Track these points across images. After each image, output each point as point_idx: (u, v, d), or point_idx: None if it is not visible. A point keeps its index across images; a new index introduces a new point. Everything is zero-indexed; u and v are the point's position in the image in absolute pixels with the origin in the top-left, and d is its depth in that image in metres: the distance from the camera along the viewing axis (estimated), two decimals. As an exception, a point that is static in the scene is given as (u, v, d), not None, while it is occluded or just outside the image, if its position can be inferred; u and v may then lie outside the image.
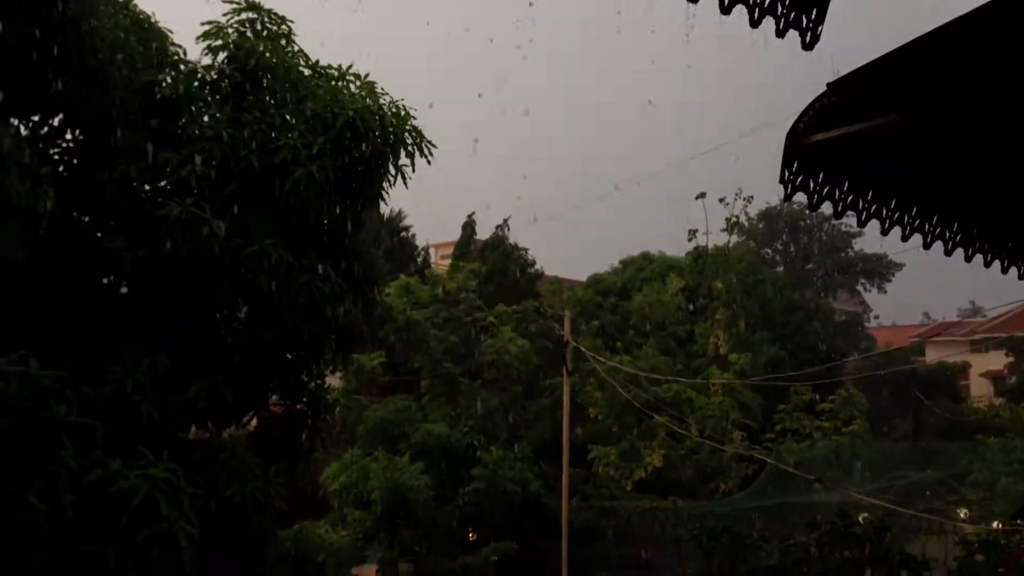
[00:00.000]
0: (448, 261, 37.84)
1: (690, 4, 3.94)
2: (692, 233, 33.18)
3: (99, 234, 10.48)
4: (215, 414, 11.44)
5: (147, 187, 10.80)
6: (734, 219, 34.66)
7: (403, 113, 11.72)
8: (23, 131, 10.14)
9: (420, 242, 43.52)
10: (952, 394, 43.26)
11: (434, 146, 11.96)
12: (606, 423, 28.63)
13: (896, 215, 5.53)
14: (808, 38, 4.10)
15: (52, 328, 9.52)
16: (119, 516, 8.86)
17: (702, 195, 32.75)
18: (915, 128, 5.07)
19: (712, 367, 30.26)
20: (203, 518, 9.55)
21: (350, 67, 11.95)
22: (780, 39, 4.11)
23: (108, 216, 10.45)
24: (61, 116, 10.44)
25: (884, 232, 5.54)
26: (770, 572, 18.57)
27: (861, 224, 5.47)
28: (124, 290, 10.69)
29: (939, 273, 57.17)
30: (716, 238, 37.69)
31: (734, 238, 37.29)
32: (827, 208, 5.40)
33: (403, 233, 41.58)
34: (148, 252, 10.00)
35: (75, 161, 10.68)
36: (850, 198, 5.35)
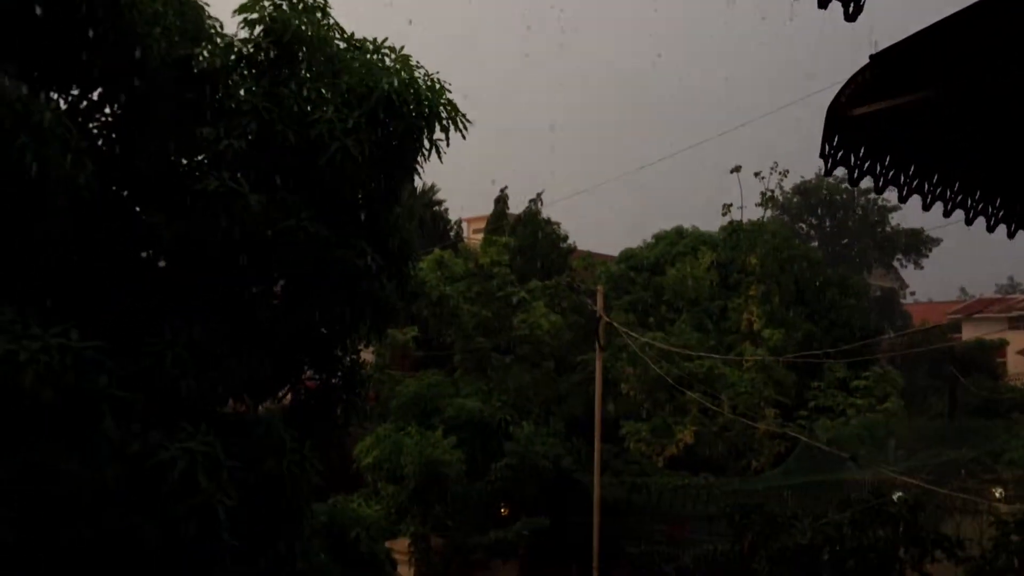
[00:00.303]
0: (480, 236, 37.86)
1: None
2: (726, 207, 33.00)
3: (137, 208, 10.57)
4: (251, 388, 11.53)
5: (184, 161, 10.87)
6: (769, 193, 34.38)
7: (438, 87, 11.68)
8: (62, 105, 10.24)
9: (452, 216, 43.56)
10: (989, 372, 42.77)
11: (469, 121, 11.93)
12: (638, 399, 28.62)
13: (938, 190, 5.47)
14: (851, 8, 4.03)
15: (92, 301, 9.63)
16: (159, 488, 8.96)
17: (737, 169, 32.54)
18: (959, 101, 5.00)
19: (745, 343, 30.14)
20: (240, 491, 9.65)
21: (385, 40, 11.91)
22: (822, 9, 4.06)
23: (146, 190, 10.52)
24: (100, 90, 10.51)
25: (926, 208, 5.48)
26: (802, 550, 18.49)
27: (902, 199, 5.41)
28: (162, 264, 10.78)
29: (977, 248, 56.48)
30: (750, 212, 37.38)
31: (768, 213, 37.00)
32: (866, 183, 5.35)
33: (436, 207, 41.63)
34: (185, 226, 10.08)
35: (113, 135, 10.75)
36: (891, 173, 5.29)
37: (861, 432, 28.38)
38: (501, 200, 37.24)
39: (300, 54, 11.41)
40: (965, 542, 17.72)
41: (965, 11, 4.17)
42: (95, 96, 10.58)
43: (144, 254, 10.79)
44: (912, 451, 29.22)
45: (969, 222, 5.54)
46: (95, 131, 10.74)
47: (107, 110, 10.76)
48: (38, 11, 9.00)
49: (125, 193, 10.75)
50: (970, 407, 37.28)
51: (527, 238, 33.91)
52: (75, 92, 10.50)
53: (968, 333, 46.83)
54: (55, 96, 10.15)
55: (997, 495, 25.49)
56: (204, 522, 9.05)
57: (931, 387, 39.18)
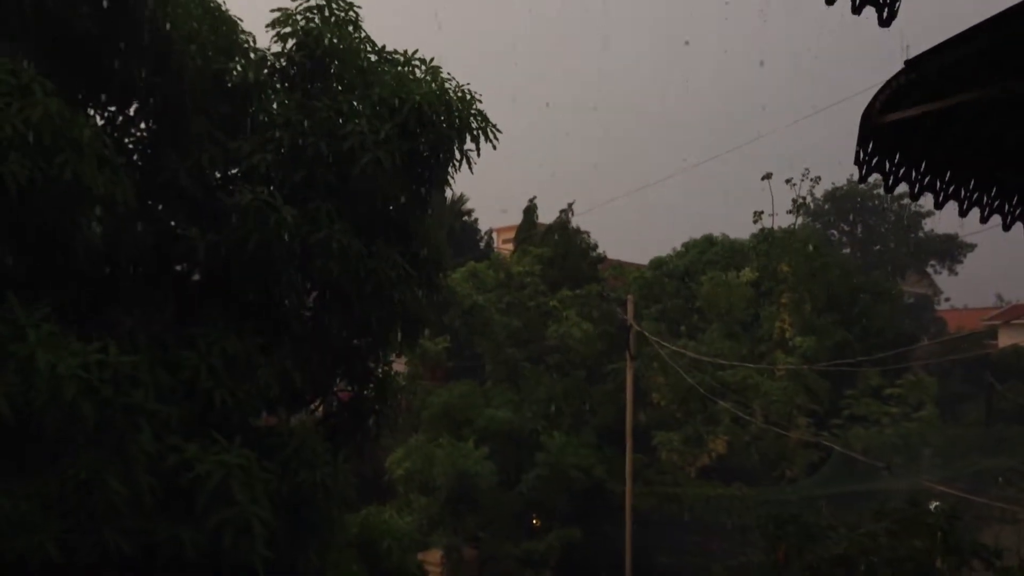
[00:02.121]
0: (510, 245, 37.93)
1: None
2: (757, 215, 32.77)
3: (172, 221, 10.68)
4: (285, 400, 11.60)
5: (218, 174, 10.99)
6: (801, 200, 34.12)
7: (468, 97, 11.73)
8: (100, 120, 10.39)
9: (482, 226, 43.66)
10: (1026, 379, 42.15)
11: (499, 131, 11.97)
12: (669, 408, 28.48)
13: (974, 196, 5.41)
14: (885, 14, 4.01)
15: (129, 315, 9.73)
16: (194, 500, 9.03)
17: (768, 176, 32.31)
18: (994, 107, 4.95)
19: (777, 351, 29.90)
20: (274, 502, 9.71)
21: (415, 52, 12.00)
22: (856, 15, 4.04)
23: (181, 203, 10.63)
24: (136, 105, 10.65)
25: (963, 214, 5.42)
26: (838, 561, 18.28)
27: (938, 206, 5.36)
28: (196, 276, 10.89)
29: (1014, 254, 55.74)
30: (781, 220, 37.13)
31: (800, 220, 36.74)
32: (900, 189, 5.30)
33: (466, 217, 41.76)
34: (219, 239, 10.17)
35: (149, 150, 10.89)
36: (927, 179, 5.24)
37: (896, 441, 28.07)
38: (530, 210, 37.29)
39: (332, 67, 11.53)
40: (1003, 552, 17.47)
41: (1000, 16, 4.13)
42: (131, 111, 10.72)
43: (179, 267, 10.90)
44: (948, 460, 28.85)
45: (1007, 227, 5.47)
46: (131, 145, 10.88)
47: (143, 124, 10.90)
48: (77, 29, 9.15)
49: (160, 207, 10.86)
50: (1007, 414, 36.73)
51: (558, 248, 33.91)
52: (112, 108, 10.65)
53: (1005, 340, 46.14)
54: (93, 112, 10.31)
55: (1036, 504, 25.12)
56: (239, 533, 9.10)
57: (967, 394, 38.67)
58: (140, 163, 10.79)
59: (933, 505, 18.67)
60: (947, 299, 63.50)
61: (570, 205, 35.44)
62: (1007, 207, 5.42)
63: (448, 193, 13.73)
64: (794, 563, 18.67)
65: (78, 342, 8.26)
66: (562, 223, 35.28)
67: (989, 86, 4.62)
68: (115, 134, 10.42)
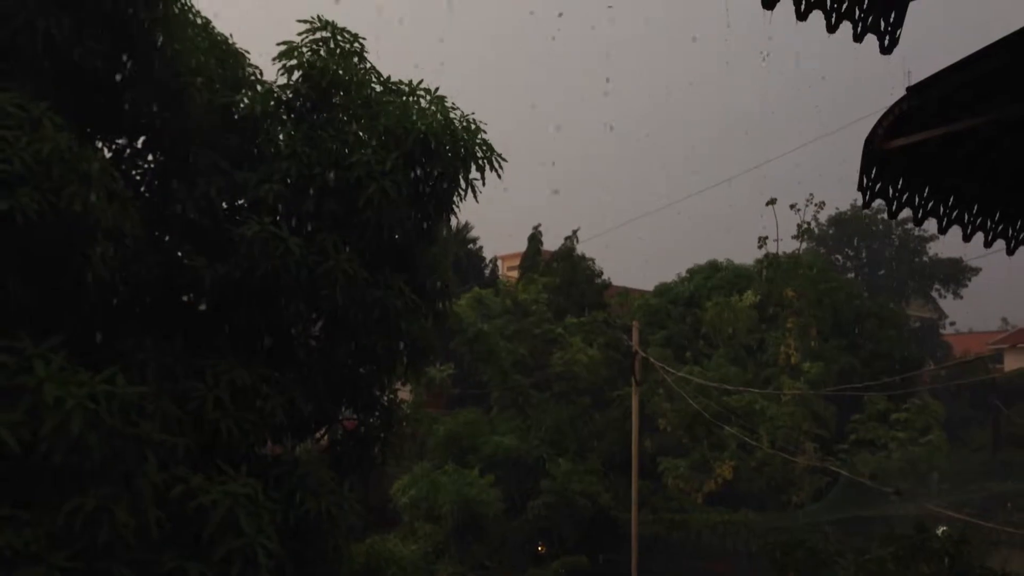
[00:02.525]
0: (515, 273, 37.97)
1: (765, 10, 3.95)
2: (762, 240, 32.85)
3: (179, 253, 10.74)
4: (291, 429, 11.62)
5: (225, 205, 11.05)
6: (805, 225, 34.17)
7: (473, 127, 11.82)
8: (108, 153, 10.48)
9: (487, 253, 43.75)
10: (1033, 402, 42.00)
11: (504, 159, 12.05)
12: (676, 434, 28.39)
13: (978, 220, 5.44)
14: (887, 41, 4.06)
15: (138, 346, 9.77)
16: (201, 531, 9.03)
17: (772, 201, 32.42)
18: (997, 132, 4.99)
19: (783, 376, 29.85)
20: (280, 532, 9.69)
21: (420, 82, 12.11)
22: (858, 43, 4.08)
23: (189, 235, 10.70)
24: (144, 138, 10.74)
25: (967, 238, 5.46)
26: (846, 587, 18.19)
27: (942, 231, 5.39)
28: (204, 307, 10.93)
29: (1018, 277, 55.64)
30: (786, 245, 37.18)
31: (804, 245, 36.80)
32: (904, 213, 5.33)
33: (471, 245, 41.84)
34: (227, 270, 10.22)
35: (157, 182, 10.98)
36: (931, 204, 5.28)
37: (903, 466, 27.95)
38: (535, 238, 37.37)
39: (337, 98, 11.62)
40: (1012, 576, 17.36)
41: (1002, 41, 4.19)
42: (139, 144, 10.81)
43: (187, 298, 10.94)
44: (956, 484, 28.72)
45: (1011, 252, 5.50)
46: (139, 177, 10.98)
47: (151, 157, 10.99)
48: (86, 64, 9.26)
49: (168, 238, 10.93)
50: (1014, 439, 36.59)
51: (563, 275, 33.95)
52: (120, 141, 10.75)
53: (1011, 363, 46.03)
54: (101, 145, 10.40)
55: (1045, 528, 24.96)
56: (246, 564, 9.09)
57: (974, 419, 38.54)
58: (148, 195, 10.88)
59: (941, 530, 18.58)
60: (952, 323, 63.39)
61: (575, 232, 35.54)
62: (1011, 231, 5.46)
63: (453, 221, 13.80)
64: (802, 590, 18.56)
65: (85, 373, 8.28)
66: (567, 250, 35.34)
67: (991, 112, 4.66)
68: (123, 167, 10.52)
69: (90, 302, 9.40)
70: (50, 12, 8.93)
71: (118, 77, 9.64)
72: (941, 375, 39.27)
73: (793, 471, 27.49)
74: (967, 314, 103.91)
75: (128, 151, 10.86)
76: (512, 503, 26.76)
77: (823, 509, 26.07)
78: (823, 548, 19.89)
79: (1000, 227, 5.43)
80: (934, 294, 59.75)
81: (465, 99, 12.12)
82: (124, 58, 9.53)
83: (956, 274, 57.28)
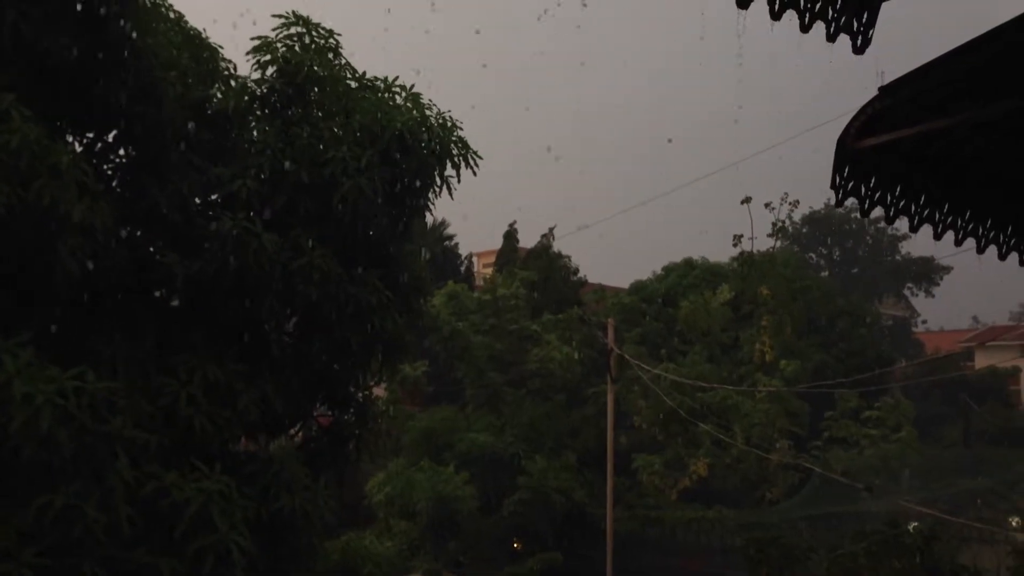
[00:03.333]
0: (490, 270, 37.95)
1: (740, 10, 3.96)
2: (737, 238, 32.97)
3: (152, 248, 10.65)
4: (265, 425, 11.55)
5: (199, 201, 10.96)
6: (780, 224, 34.34)
7: (449, 124, 11.79)
8: (79, 147, 10.36)
9: (463, 250, 43.73)
10: (1003, 400, 42.48)
11: (480, 156, 12.03)
12: (651, 431, 28.50)
13: (949, 219, 5.49)
14: (859, 42, 4.08)
15: (109, 342, 9.68)
16: (173, 527, 8.97)
17: (747, 200, 32.54)
18: (967, 132, 5.03)
19: (758, 374, 30.02)
20: (254, 529, 9.64)
21: (396, 79, 12.05)
22: (831, 43, 4.11)
23: (161, 230, 10.60)
24: (115, 132, 10.63)
25: (937, 237, 5.49)
26: (819, 582, 18.35)
27: (913, 229, 5.43)
28: (176, 303, 10.84)
29: (989, 276, 56.24)
30: (761, 243, 37.35)
31: (779, 243, 37.02)
32: (876, 212, 5.36)
33: (447, 242, 41.81)
34: (200, 266, 10.14)
35: (128, 177, 10.87)
36: (902, 203, 5.31)
37: (875, 462, 28.23)
38: (511, 235, 37.37)
39: (313, 94, 11.55)
40: (982, 572, 17.56)
41: (973, 42, 4.21)
42: (111, 138, 10.70)
43: (159, 294, 10.84)
44: (927, 481, 29.03)
45: (981, 250, 5.54)
46: (110, 172, 10.86)
47: (122, 151, 10.88)
48: (56, 56, 9.15)
49: (140, 233, 10.83)
50: (985, 436, 37.00)
51: (539, 272, 34.01)
52: (91, 134, 10.63)
53: (981, 361, 46.47)
54: (72, 138, 10.29)
55: (1014, 524, 25.27)
56: (218, 561, 9.04)
57: (945, 416, 38.94)
58: (120, 190, 10.77)
59: (912, 526, 18.79)
60: (924, 321, 64.05)
61: (551, 230, 35.60)
62: (981, 230, 5.50)
63: (429, 218, 13.75)
64: (776, 585, 18.69)
65: (55, 369, 8.20)
66: (543, 247, 35.38)
67: (962, 112, 4.70)
68: (94, 161, 10.39)
69: (60, 298, 9.30)
70: (19, 4, 8.82)
71: (89, 71, 9.53)
72: (913, 373, 39.63)
73: (767, 468, 27.68)
74: (938, 312, 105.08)
75: (99, 145, 10.73)
76: (487, 500, 26.79)
77: (796, 505, 26.29)
78: (796, 544, 20.05)
79: (970, 226, 5.47)
80: (906, 292, 60.35)
81: (452, 103, 12.10)
82: (95, 52, 9.43)
83: (928, 273, 57.88)
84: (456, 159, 11.81)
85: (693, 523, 27.18)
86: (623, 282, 39.79)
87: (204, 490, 9.10)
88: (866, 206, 5.14)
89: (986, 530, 22.79)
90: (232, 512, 9.29)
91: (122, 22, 9.45)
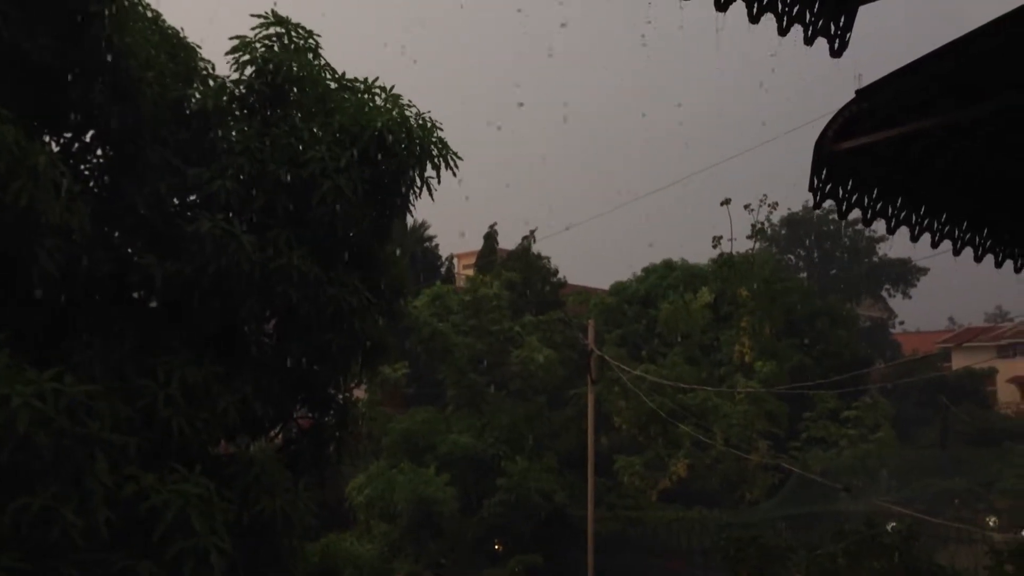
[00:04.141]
0: (470, 271, 37.95)
1: (718, 12, 3.98)
2: (716, 240, 33.10)
3: (130, 249, 10.58)
4: (245, 428, 11.50)
5: (177, 202, 10.90)
6: (759, 226, 34.50)
7: (429, 125, 11.78)
8: (55, 148, 10.28)
9: (443, 251, 43.73)
10: (979, 400, 42.89)
11: (459, 158, 12.02)
12: (631, 432, 28.58)
13: (925, 221, 5.53)
14: (836, 45, 4.12)
15: (86, 344, 9.61)
16: (152, 531, 8.91)
17: (727, 201, 32.67)
18: (945, 134, 5.08)
19: (737, 375, 30.15)
20: (233, 532, 9.59)
21: (376, 80, 12.03)
22: (808, 47, 4.14)
23: (139, 231, 10.53)
24: (92, 132, 10.55)
25: (914, 239, 5.54)
26: (798, 582, 18.42)
27: (890, 231, 5.47)
28: (155, 305, 10.78)
29: (965, 278, 56.77)
30: (740, 245, 37.50)
31: (758, 245, 37.18)
32: (854, 214, 5.40)
33: (427, 243, 41.79)
34: (178, 267, 10.08)
35: (106, 177, 10.79)
36: (879, 205, 5.35)
37: (854, 463, 28.40)
38: (491, 236, 37.39)
39: (292, 94, 11.51)
40: (960, 572, 17.68)
41: (949, 45, 4.25)
42: (88, 138, 10.62)
43: (137, 294, 10.78)
44: (905, 481, 29.23)
45: (957, 252, 5.59)
46: (87, 172, 10.78)
47: (100, 152, 10.80)
48: (33, 56, 9.09)
49: (117, 234, 10.76)
50: (962, 436, 37.32)
51: (520, 274, 34.05)
52: (67, 135, 10.55)
53: (958, 362, 46.91)
54: (48, 139, 10.20)
55: (991, 524, 25.48)
56: (198, 564, 8.99)
57: (922, 416, 39.25)
58: (97, 190, 10.69)
59: (890, 526, 18.88)
60: (901, 322, 64.54)
61: (532, 231, 35.64)
62: (957, 232, 5.54)
63: (409, 219, 13.70)
64: (755, 585, 18.75)
65: (32, 371, 8.14)
66: (523, 249, 35.41)
67: (939, 114, 4.74)
68: (71, 161, 10.32)
69: (36, 299, 9.23)
70: (-2, 5, 8.76)
71: (66, 71, 9.47)
72: (891, 374, 39.91)
73: (746, 468, 27.79)
74: (916, 314, 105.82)
75: (76, 146, 10.65)
76: (468, 501, 26.77)
77: (776, 506, 26.41)
78: (775, 544, 20.12)
79: (947, 228, 5.52)
80: (884, 294, 60.79)
81: (426, 101, 12.09)
82: (72, 51, 9.36)
83: (905, 274, 58.33)
84: (436, 160, 11.79)
85: (673, 524, 27.26)
86: (604, 283, 39.93)
87: (183, 493, 9.04)
88: (844, 208, 5.18)
89: (964, 530, 22.96)
90: (211, 515, 9.24)
91: (99, 22, 9.39)
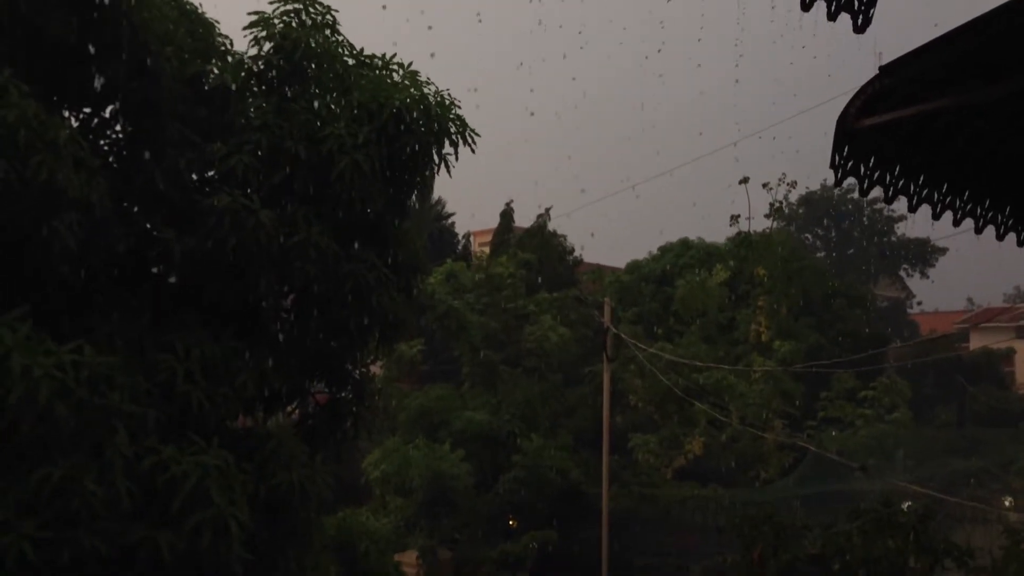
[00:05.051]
0: (487, 249, 37.94)
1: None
2: (734, 219, 33.03)
3: (148, 224, 10.62)
4: (262, 402, 11.58)
5: (195, 177, 10.94)
6: (777, 204, 34.36)
7: (447, 102, 11.74)
8: (75, 123, 10.33)
9: (460, 229, 43.73)
10: (997, 381, 42.70)
11: (477, 135, 11.99)
12: (646, 410, 28.64)
13: (948, 199, 5.51)
14: (860, 21, 4.09)
15: (105, 317, 9.68)
16: (171, 502, 8.99)
17: (745, 180, 32.59)
18: (967, 112, 5.04)
19: (753, 354, 30.13)
20: (251, 504, 9.68)
21: (393, 56, 12.01)
22: (832, 22, 4.11)
23: (157, 206, 10.56)
24: (111, 108, 10.59)
25: (936, 217, 5.52)
26: (812, 560, 18.48)
27: (912, 209, 5.46)
28: (173, 279, 10.83)
29: (984, 258, 56.36)
30: (758, 223, 37.35)
31: (775, 223, 37.03)
32: (875, 192, 5.38)
33: (444, 221, 41.80)
34: (196, 242, 10.13)
35: (125, 152, 10.83)
36: (901, 183, 5.33)
37: (870, 442, 28.36)
38: (507, 214, 37.36)
39: (310, 70, 11.48)
40: (975, 551, 17.68)
41: (973, 22, 4.22)
42: (107, 113, 10.66)
43: (155, 270, 10.84)
44: (921, 461, 29.19)
45: (979, 231, 5.58)
46: (106, 147, 10.82)
47: (119, 127, 10.83)
48: (52, 32, 9.11)
49: (136, 209, 10.80)
50: (979, 416, 37.20)
51: (535, 252, 34.05)
52: (87, 110, 10.59)
53: (976, 342, 46.69)
54: (68, 114, 10.25)
55: (1007, 504, 25.46)
56: (216, 535, 9.07)
57: (939, 397, 39.13)
58: (116, 165, 10.72)
59: (906, 505, 18.90)
60: (919, 302, 64.18)
61: (547, 209, 35.63)
62: (979, 210, 5.52)
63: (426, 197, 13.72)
64: (770, 563, 18.84)
65: (52, 343, 8.21)
66: (540, 227, 35.38)
67: (962, 92, 4.71)
68: (91, 136, 10.35)
69: (56, 274, 9.30)
70: (16, -21, 8.77)
71: (84, 46, 9.48)
72: (908, 354, 39.80)
73: (762, 447, 27.83)
74: (934, 294, 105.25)
75: (95, 121, 10.69)
76: (483, 478, 26.91)
77: (791, 485, 26.43)
78: (790, 523, 20.18)
79: (969, 206, 5.50)
80: (902, 273, 60.44)
81: (438, 72, 12.04)
82: (91, 27, 9.38)
83: (923, 254, 57.97)
84: (454, 137, 11.77)
85: (688, 501, 27.33)
86: (620, 262, 39.86)
87: (202, 464, 9.11)
88: (865, 185, 5.17)
89: (979, 510, 22.96)
90: (230, 487, 9.31)
91: (120, -4, 9.40)
